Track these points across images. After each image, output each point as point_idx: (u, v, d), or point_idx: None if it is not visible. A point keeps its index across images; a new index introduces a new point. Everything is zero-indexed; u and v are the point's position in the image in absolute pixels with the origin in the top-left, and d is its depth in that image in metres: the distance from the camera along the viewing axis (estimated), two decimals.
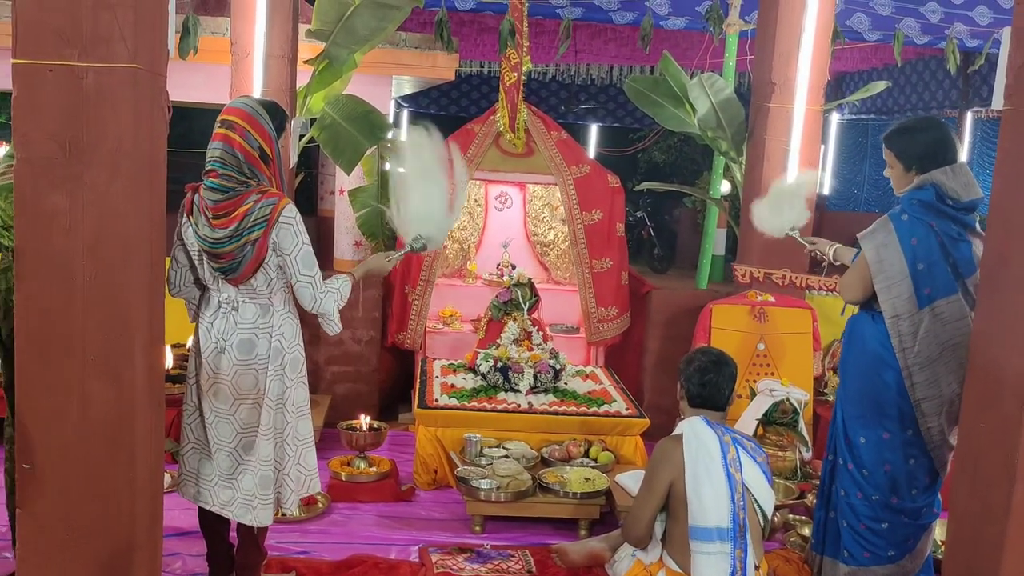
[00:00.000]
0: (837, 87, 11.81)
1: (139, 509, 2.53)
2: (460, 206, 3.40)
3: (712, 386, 3.17)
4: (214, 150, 2.97)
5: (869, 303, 3.32)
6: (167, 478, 3.67)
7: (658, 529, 3.17)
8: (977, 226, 3.21)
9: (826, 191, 12.36)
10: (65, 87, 2.26)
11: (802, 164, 5.24)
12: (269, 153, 3.01)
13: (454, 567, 3.62)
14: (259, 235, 2.92)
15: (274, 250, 2.96)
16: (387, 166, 5.86)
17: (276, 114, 3.08)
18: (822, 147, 6.56)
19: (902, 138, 3.29)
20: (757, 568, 3.07)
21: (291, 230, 2.95)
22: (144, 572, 2.59)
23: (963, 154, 3.24)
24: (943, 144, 3.22)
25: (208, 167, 2.98)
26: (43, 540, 2.45)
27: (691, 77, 5.86)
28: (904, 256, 3.17)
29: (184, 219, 3.04)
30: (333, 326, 3.13)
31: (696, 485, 3.01)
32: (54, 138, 2.28)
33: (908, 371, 3.20)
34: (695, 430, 3.11)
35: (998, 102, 2.64)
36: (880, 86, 6.11)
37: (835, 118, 12.54)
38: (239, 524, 3.16)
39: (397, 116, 12.38)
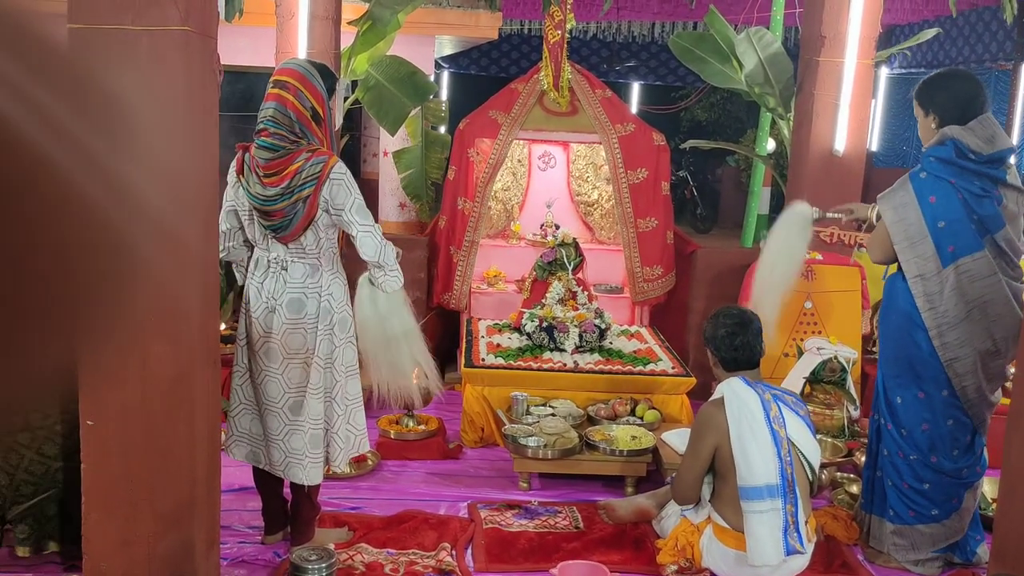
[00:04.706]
0: (887, 41, 11.51)
1: (198, 464, 2.59)
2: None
3: (744, 348, 3.16)
4: (267, 109, 3.01)
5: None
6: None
7: (706, 491, 3.19)
8: (1008, 178, 3.14)
9: (874, 147, 12.12)
10: (120, 51, 2.29)
11: (852, 119, 5.14)
12: (321, 113, 3.05)
13: (502, 523, 3.68)
14: (310, 192, 2.95)
15: (325, 209, 3.00)
16: (432, 127, 5.85)
17: (328, 76, 3.13)
18: (872, 102, 6.42)
19: (926, 86, 3.29)
20: (806, 523, 3.08)
21: (343, 185, 2.99)
22: (204, 526, 2.66)
23: (990, 107, 3.19)
24: (966, 96, 3.17)
25: (260, 126, 3.02)
26: (106, 496, 2.53)
27: (737, 32, 5.76)
28: (923, 214, 3.13)
29: (234, 178, 3.09)
30: (395, 279, 3.14)
31: (742, 446, 3.01)
32: None
33: (938, 331, 3.17)
34: (735, 391, 3.10)
35: None
36: (930, 33, 5.95)
37: (884, 72, 12.24)
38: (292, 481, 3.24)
39: (438, 77, 12.33)
